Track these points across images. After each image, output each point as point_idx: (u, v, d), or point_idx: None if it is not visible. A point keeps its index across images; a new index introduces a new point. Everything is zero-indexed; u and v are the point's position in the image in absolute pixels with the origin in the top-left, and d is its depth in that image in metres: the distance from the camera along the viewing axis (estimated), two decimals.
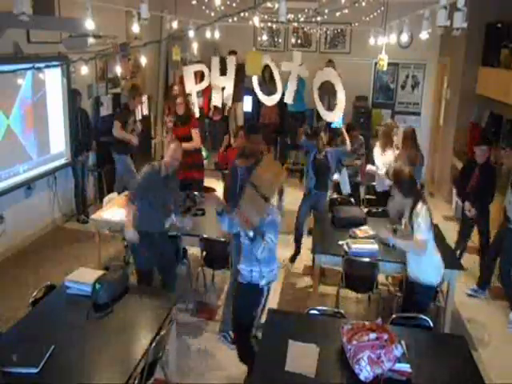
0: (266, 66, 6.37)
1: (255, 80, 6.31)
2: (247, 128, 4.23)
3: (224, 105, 6.89)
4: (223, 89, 6.53)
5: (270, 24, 8.17)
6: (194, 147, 5.89)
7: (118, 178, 6.55)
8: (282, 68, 6.12)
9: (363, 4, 5.90)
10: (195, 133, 5.87)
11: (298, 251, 5.56)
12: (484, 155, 4.96)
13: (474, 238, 5.75)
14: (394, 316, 3.25)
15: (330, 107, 6.27)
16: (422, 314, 3.25)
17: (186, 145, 5.22)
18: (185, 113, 5.88)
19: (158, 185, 4.00)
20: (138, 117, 7.10)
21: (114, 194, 5.42)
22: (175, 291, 4.09)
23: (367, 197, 6.07)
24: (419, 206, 3.43)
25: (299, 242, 5.54)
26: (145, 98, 7.81)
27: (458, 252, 5.28)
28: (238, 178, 3.97)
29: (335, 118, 5.87)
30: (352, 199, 5.58)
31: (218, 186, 6.12)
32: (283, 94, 6.24)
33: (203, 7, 6.70)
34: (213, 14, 6.34)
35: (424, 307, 3.54)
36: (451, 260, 4.11)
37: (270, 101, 6.47)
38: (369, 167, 5.98)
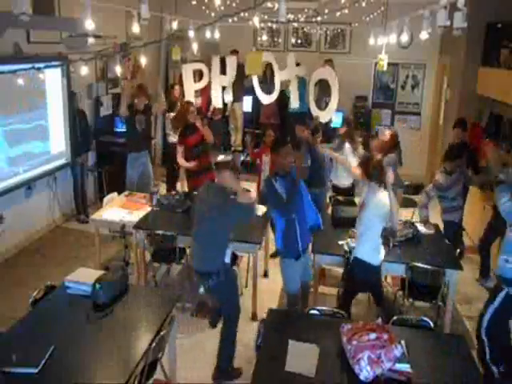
0: (268, 65, 6.35)
1: (255, 79, 6.31)
2: (273, 145, 4.09)
3: (225, 104, 6.88)
4: (223, 88, 6.52)
5: (270, 24, 8.17)
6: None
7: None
8: (281, 78, 6.09)
9: (363, 4, 5.89)
10: (206, 129, 5.55)
11: None
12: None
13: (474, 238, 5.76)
14: (394, 318, 3.24)
15: (325, 107, 6.28)
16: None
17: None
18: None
19: None
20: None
21: (113, 194, 5.42)
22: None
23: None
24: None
25: None
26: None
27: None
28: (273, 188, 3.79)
29: (326, 117, 5.96)
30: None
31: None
32: (282, 95, 6.23)
33: (203, 7, 6.70)
34: (213, 14, 6.33)
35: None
36: (451, 260, 4.12)
37: (267, 99, 6.46)
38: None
